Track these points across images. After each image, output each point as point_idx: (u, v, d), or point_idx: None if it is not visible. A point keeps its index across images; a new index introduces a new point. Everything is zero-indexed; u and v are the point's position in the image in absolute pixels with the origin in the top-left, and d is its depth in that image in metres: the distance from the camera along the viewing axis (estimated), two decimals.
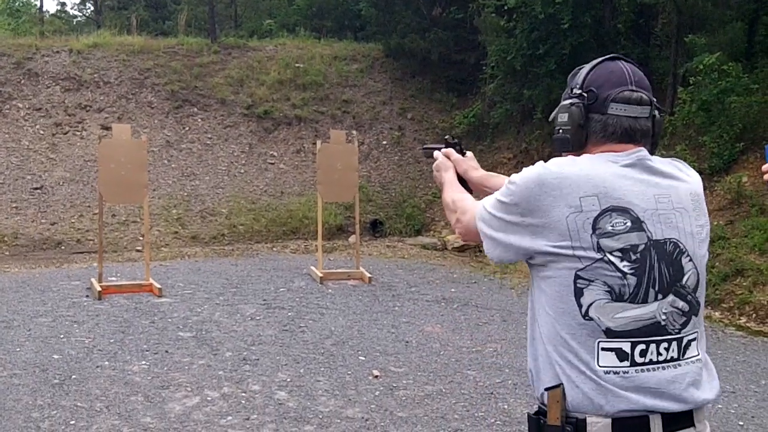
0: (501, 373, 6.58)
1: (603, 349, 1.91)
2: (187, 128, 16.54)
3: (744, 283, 9.32)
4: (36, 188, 14.17)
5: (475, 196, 2.44)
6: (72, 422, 5.21)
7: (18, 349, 6.85)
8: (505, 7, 14.77)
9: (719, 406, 5.88)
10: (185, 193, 14.90)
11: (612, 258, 1.90)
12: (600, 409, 1.90)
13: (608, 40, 14.66)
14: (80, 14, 31.74)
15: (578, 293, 1.92)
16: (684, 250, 1.99)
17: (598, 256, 1.90)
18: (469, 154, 2.67)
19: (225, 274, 10.65)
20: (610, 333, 1.91)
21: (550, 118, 2.20)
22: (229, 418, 5.38)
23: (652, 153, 2.07)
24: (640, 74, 2.08)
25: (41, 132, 15.45)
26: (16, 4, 29.44)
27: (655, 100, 2.09)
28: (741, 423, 5.61)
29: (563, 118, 2.10)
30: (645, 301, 1.92)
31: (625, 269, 1.91)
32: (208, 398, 5.77)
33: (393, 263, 12.03)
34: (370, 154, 16.83)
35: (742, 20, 13.56)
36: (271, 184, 15.66)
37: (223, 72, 18.03)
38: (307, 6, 23.33)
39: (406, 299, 9.44)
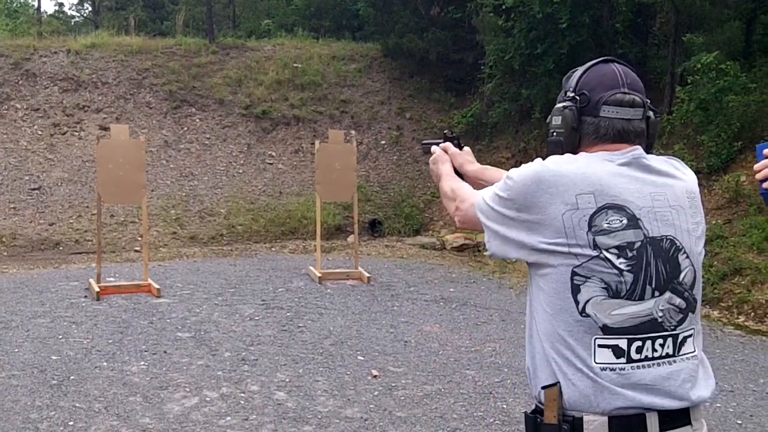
0: (500, 373, 6.58)
1: (600, 346, 1.92)
2: (185, 128, 16.54)
3: (742, 282, 9.33)
4: (34, 189, 14.16)
5: None
6: (70, 423, 5.21)
7: (16, 350, 6.85)
8: (503, 7, 14.78)
9: (717, 405, 5.89)
10: (184, 194, 14.90)
11: (608, 255, 1.91)
12: (596, 407, 1.91)
13: (606, 40, 14.67)
14: (78, 15, 31.76)
15: (575, 290, 1.92)
16: (680, 247, 2.00)
17: (594, 253, 1.91)
18: (466, 148, 2.69)
19: (223, 274, 10.64)
20: (606, 330, 1.92)
21: (547, 121, 2.21)
22: (228, 418, 5.38)
23: (647, 153, 2.08)
24: (633, 76, 2.10)
25: (39, 132, 15.44)
26: (14, 4, 29.42)
27: (648, 101, 2.11)
28: (739, 422, 5.62)
29: (557, 121, 2.12)
30: (642, 298, 1.93)
31: (622, 266, 1.91)
32: (207, 399, 5.76)
33: (392, 263, 12.03)
34: (369, 153, 16.83)
35: (739, 19, 13.58)
36: (270, 184, 15.66)
37: (221, 72, 18.03)
38: (305, 6, 23.33)
39: (405, 299, 9.43)
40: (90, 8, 30.29)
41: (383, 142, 17.26)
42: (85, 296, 9.06)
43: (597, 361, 1.92)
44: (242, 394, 5.87)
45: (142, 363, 6.58)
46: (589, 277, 1.91)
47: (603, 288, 1.91)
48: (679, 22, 13.42)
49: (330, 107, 17.73)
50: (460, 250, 13.26)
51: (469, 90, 17.74)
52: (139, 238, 12.56)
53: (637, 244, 1.93)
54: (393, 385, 6.20)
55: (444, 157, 2.65)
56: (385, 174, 16.51)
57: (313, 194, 12.46)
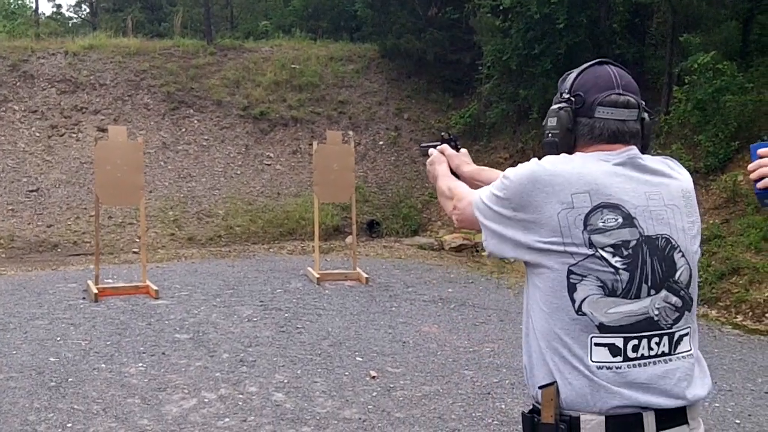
0: (498, 373, 6.58)
1: (596, 344, 1.93)
2: (183, 130, 16.54)
3: (740, 282, 9.34)
4: (32, 190, 14.16)
5: None
6: (69, 425, 5.20)
7: (14, 352, 6.84)
8: (501, 7, 14.80)
9: (716, 404, 5.89)
10: (182, 195, 14.90)
11: (604, 254, 1.92)
12: (593, 406, 1.91)
13: (603, 40, 14.69)
14: (76, 16, 31.76)
15: (571, 289, 1.93)
16: (676, 245, 2.00)
17: (590, 251, 1.92)
18: (463, 150, 2.71)
19: (222, 275, 10.64)
20: (603, 328, 1.92)
21: (543, 123, 2.23)
22: (227, 419, 5.38)
23: (643, 154, 2.09)
24: (628, 78, 2.11)
25: (37, 134, 15.44)
26: (12, 6, 29.42)
27: (643, 103, 2.12)
28: (738, 421, 5.62)
29: (552, 122, 2.14)
30: (638, 296, 1.94)
31: (618, 265, 1.92)
32: (205, 400, 5.76)
33: (390, 264, 12.02)
34: (367, 154, 16.83)
35: (736, 19, 13.60)
36: (268, 185, 15.66)
37: (219, 73, 18.03)
38: (303, 7, 23.35)
39: (403, 299, 9.44)
40: (88, 10, 30.31)
41: (381, 142, 17.26)
42: (84, 298, 9.05)
43: (593, 359, 1.92)
44: (240, 396, 5.87)
45: (141, 364, 6.58)
46: (585, 276, 1.92)
47: (599, 286, 1.92)
48: (676, 22, 13.43)
49: (328, 108, 17.74)
50: (459, 251, 13.26)
51: (466, 90, 17.75)
52: (137, 240, 12.55)
53: (633, 243, 1.94)
54: (391, 385, 6.20)
55: (441, 158, 2.67)
56: (383, 175, 16.52)
57: (311, 195, 12.46)
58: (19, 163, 14.69)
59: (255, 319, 8.23)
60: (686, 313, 2.01)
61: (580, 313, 1.93)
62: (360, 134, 17.00)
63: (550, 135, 2.14)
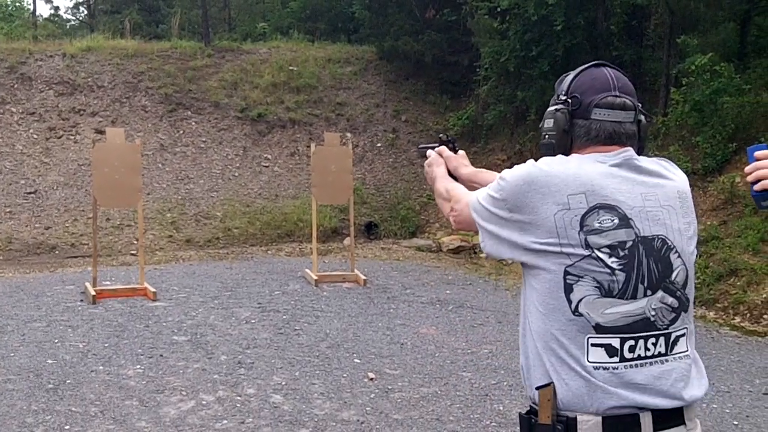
0: (496, 375, 6.58)
1: (593, 345, 1.93)
2: (181, 132, 16.54)
3: (738, 283, 9.34)
4: (30, 192, 14.15)
5: None
6: (66, 427, 5.20)
7: (12, 354, 6.84)
8: (498, 9, 14.81)
9: (714, 405, 5.90)
10: (179, 197, 14.90)
11: (600, 254, 1.92)
12: (590, 406, 1.91)
13: (601, 42, 14.70)
14: (73, 18, 31.76)
15: (568, 289, 1.94)
16: (672, 246, 2.01)
17: (586, 252, 1.92)
18: (461, 152, 2.72)
19: (220, 277, 10.64)
20: (599, 329, 1.93)
21: (540, 125, 2.23)
22: (225, 421, 5.37)
23: (639, 155, 2.09)
24: (625, 80, 2.11)
25: (35, 136, 15.44)
26: (9, 8, 29.41)
27: (640, 105, 2.13)
28: (736, 422, 5.62)
29: (549, 124, 2.14)
30: (634, 296, 1.94)
31: (614, 265, 1.93)
32: (203, 402, 5.76)
33: (388, 265, 12.03)
34: (365, 156, 16.84)
35: (734, 21, 13.62)
36: (266, 187, 15.66)
37: (216, 75, 18.03)
38: (301, 9, 23.35)
39: (401, 301, 9.44)
40: (85, 12, 30.31)
41: (379, 144, 17.27)
42: (81, 300, 9.05)
43: (590, 360, 1.92)
44: (238, 398, 5.87)
45: (138, 367, 6.58)
46: (582, 277, 1.92)
47: (595, 287, 1.92)
48: (673, 24, 13.44)
49: (326, 110, 17.74)
50: (456, 252, 13.27)
51: (464, 92, 17.77)
52: (135, 242, 12.55)
53: (629, 244, 1.95)
54: (389, 387, 6.20)
55: (438, 160, 2.68)
56: (381, 176, 16.52)
57: (309, 197, 12.47)
58: (16, 165, 14.69)
59: (253, 321, 8.23)
60: (682, 313, 2.02)
61: (576, 313, 1.93)
62: (358, 136, 17.00)
63: (546, 137, 2.15)
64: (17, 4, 30.76)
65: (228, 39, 21.16)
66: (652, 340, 1.96)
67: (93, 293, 8.96)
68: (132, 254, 12.51)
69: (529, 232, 1.98)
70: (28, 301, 8.96)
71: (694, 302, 2.09)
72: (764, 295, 8.95)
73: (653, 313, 1.96)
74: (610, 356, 1.93)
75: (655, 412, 1.93)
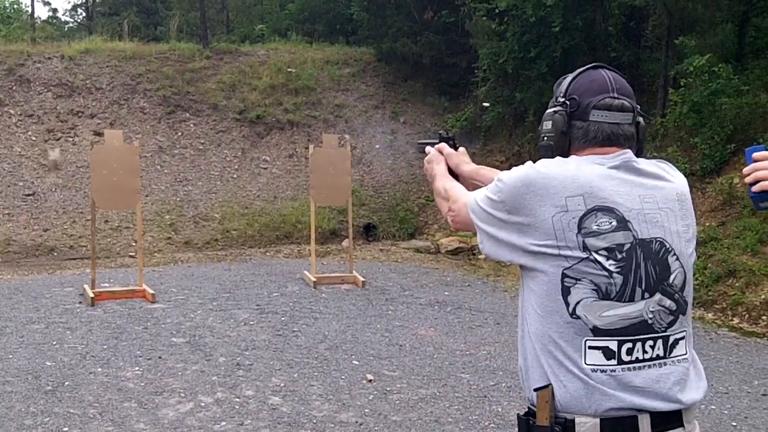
0: (495, 376, 6.58)
1: (590, 347, 1.93)
2: (179, 134, 16.53)
3: (736, 284, 9.35)
4: (28, 195, 14.15)
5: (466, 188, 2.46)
6: (65, 429, 5.20)
7: (10, 356, 6.84)
8: (496, 11, 14.82)
9: (712, 407, 5.90)
10: (178, 199, 14.89)
11: (598, 257, 1.92)
12: (588, 408, 1.91)
13: (599, 43, 14.71)
14: (72, 20, 31.74)
15: (565, 292, 1.93)
16: (670, 249, 2.00)
17: (584, 255, 1.92)
18: (461, 149, 2.69)
19: (218, 279, 10.63)
20: (597, 331, 1.92)
21: (539, 128, 2.23)
22: (223, 423, 5.37)
23: (638, 157, 2.09)
24: (623, 82, 2.11)
25: (33, 138, 15.43)
26: (8, 10, 29.41)
27: (638, 107, 2.12)
28: (734, 423, 5.63)
29: (547, 125, 2.14)
30: (632, 299, 1.94)
31: (612, 268, 1.92)
32: (202, 404, 5.76)
33: (386, 267, 12.03)
34: (363, 158, 16.84)
35: (732, 22, 13.62)
36: (264, 189, 15.65)
37: (215, 77, 18.02)
38: (299, 10, 23.36)
39: (400, 303, 9.44)
40: (84, 14, 30.30)
41: (377, 146, 17.27)
42: (80, 302, 9.05)
43: (587, 362, 1.92)
44: (237, 399, 5.87)
45: (137, 368, 6.58)
46: (579, 279, 1.92)
47: (593, 290, 1.92)
48: (671, 25, 13.45)
49: (324, 111, 17.75)
50: (455, 254, 13.27)
51: (462, 94, 17.77)
52: (134, 244, 12.55)
53: (627, 246, 1.94)
54: (388, 389, 6.20)
55: (438, 157, 2.66)
56: (379, 178, 16.52)
57: (307, 198, 12.47)
58: (15, 168, 14.68)
59: (251, 323, 8.23)
60: (681, 316, 2.01)
61: (574, 316, 1.93)
62: (356, 138, 16.99)
63: (545, 138, 2.15)
64: (15, 6, 30.77)
65: (226, 41, 21.15)
66: (650, 342, 1.96)
67: (91, 295, 8.96)
68: (130, 256, 12.51)
69: (527, 234, 1.97)
70: (26, 303, 8.95)
71: (693, 303, 2.09)
72: (763, 296, 8.95)
73: (651, 316, 1.96)
74: (608, 359, 1.92)
75: (654, 415, 1.93)
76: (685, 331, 2.04)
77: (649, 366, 1.95)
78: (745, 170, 2.10)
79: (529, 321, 2.03)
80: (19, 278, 10.73)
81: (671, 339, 1.99)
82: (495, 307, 9.39)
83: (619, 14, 15.03)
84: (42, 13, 50.70)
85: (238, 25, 25.98)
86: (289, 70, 18.54)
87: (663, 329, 1.98)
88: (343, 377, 6.46)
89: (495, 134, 16.52)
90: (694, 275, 2.09)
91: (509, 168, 2.09)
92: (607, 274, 1.92)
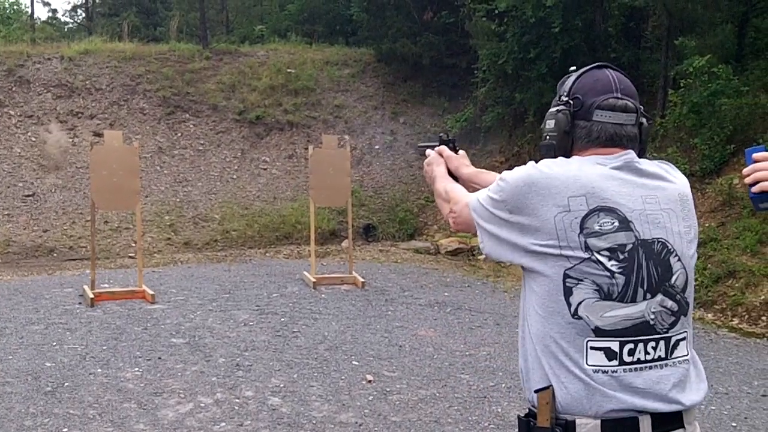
0: (494, 377, 6.58)
1: (592, 348, 1.92)
2: (179, 134, 16.53)
3: (736, 285, 9.35)
4: (28, 195, 14.14)
5: None
6: (65, 430, 5.19)
7: (10, 357, 6.83)
8: (496, 11, 14.81)
9: (712, 407, 5.90)
10: (178, 199, 14.89)
11: (600, 257, 1.92)
12: (589, 410, 1.91)
13: (599, 44, 14.71)
14: (71, 21, 31.74)
15: (567, 292, 1.93)
16: (672, 249, 2.00)
17: (586, 255, 1.92)
18: (461, 152, 2.70)
19: (218, 279, 10.63)
20: (598, 332, 1.92)
21: (541, 126, 2.22)
22: (223, 424, 5.37)
23: (640, 158, 2.09)
24: (627, 82, 2.10)
25: (33, 139, 15.42)
26: (7, 11, 29.40)
27: (642, 108, 2.11)
28: (734, 424, 5.62)
29: (550, 124, 2.13)
30: (634, 300, 1.93)
31: (613, 268, 1.92)
32: (202, 404, 5.76)
33: (386, 268, 12.03)
34: (363, 158, 16.84)
35: (731, 22, 13.61)
36: (264, 190, 15.65)
37: (214, 78, 18.03)
38: (299, 11, 23.35)
39: (400, 303, 9.43)
40: (83, 14, 30.30)
41: (377, 146, 17.27)
42: (80, 303, 9.05)
43: (589, 363, 1.92)
44: (237, 400, 5.86)
45: (137, 369, 6.57)
46: (581, 280, 1.92)
47: (595, 290, 1.91)
48: (671, 26, 13.45)
49: (323, 112, 17.75)
50: (455, 255, 13.27)
51: (462, 94, 17.77)
52: (134, 244, 12.54)
53: (629, 247, 1.94)
54: (388, 389, 6.19)
55: (438, 160, 2.66)
56: (379, 179, 16.52)
57: (307, 199, 12.46)
58: (14, 168, 14.68)
59: (251, 324, 8.22)
60: (682, 317, 2.01)
61: (575, 316, 1.92)
62: (356, 138, 17.00)
63: (547, 137, 2.14)
64: (15, 7, 30.77)
65: (226, 41, 21.16)
66: (652, 343, 1.95)
67: (91, 296, 8.96)
68: (130, 257, 12.50)
69: (529, 234, 1.97)
70: (26, 304, 8.95)
71: (693, 304, 2.08)
72: (762, 297, 8.96)
73: (653, 316, 1.95)
74: (610, 359, 1.92)
75: (654, 416, 1.92)
76: (686, 332, 2.03)
77: (651, 367, 1.95)
78: (745, 171, 2.10)
79: (530, 322, 2.02)
80: (19, 279, 10.73)
81: (673, 340, 1.99)
82: (495, 307, 9.39)
83: (618, 15, 15.02)
84: (42, 13, 50.72)
85: (238, 26, 25.99)
86: (288, 70, 18.55)
87: (665, 330, 1.97)
88: (342, 378, 6.46)
89: (495, 135, 16.52)
90: (694, 276, 2.09)
91: (509, 169, 2.09)
92: (609, 274, 1.91)
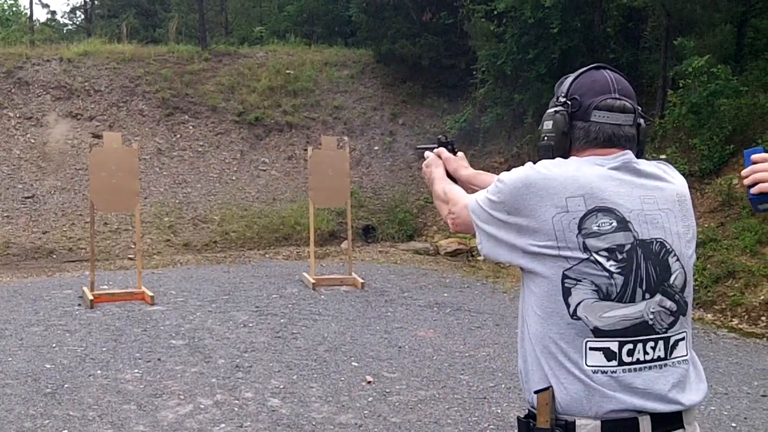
0: (494, 378, 6.58)
1: (591, 348, 1.92)
2: (178, 136, 16.53)
3: (736, 285, 9.35)
4: (27, 197, 14.13)
5: None
6: (64, 431, 5.19)
7: (10, 359, 6.83)
8: (495, 12, 14.81)
9: (712, 407, 5.90)
10: (177, 201, 14.89)
11: (598, 258, 1.92)
12: (589, 410, 1.91)
13: (598, 44, 14.71)
14: (70, 23, 31.73)
15: (566, 293, 1.93)
16: (671, 249, 2.00)
17: (584, 255, 1.92)
18: (460, 153, 2.71)
19: (217, 281, 10.63)
20: (597, 332, 1.92)
21: (539, 127, 2.22)
22: (222, 425, 5.37)
23: (638, 159, 2.09)
24: (625, 83, 2.11)
25: (32, 141, 15.42)
26: (6, 13, 29.39)
27: (639, 108, 2.12)
28: (734, 425, 5.62)
29: (548, 125, 2.14)
30: (632, 300, 1.93)
31: (612, 269, 1.92)
32: (201, 406, 5.76)
33: (385, 268, 12.03)
34: (362, 159, 16.84)
35: (730, 23, 13.62)
36: (263, 191, 15.65)
37: (213, 79, 18.03)
38: (298, 12, 23.35)
39: (399, 304, 9.43)
40: (82, 16, 30.30)
41: (376, 147, 17.27)
42: (79, 304, 9.04)
43: (588, 363, 1.92)
44: (236, 401, 5.86)
45: (136, 371, 6.57)
46: (580, 280, 1.92)
47: (594, 290, 1.91)
48: (670, 26, 13.45)
49: (323, 113, 17.75)
50: (454, 255, 13.27)
51: (461, 95, 17.76)
52: (133, 246, 12.54)
53: (627, 247, 1.94)
54: (387, 390, 6.19)
55: (437, 161, 2.67)
56: (378, 180, 16.52)
57: (306, 200, 12.46)
58: (14, 170, 14.67)
59: (250, 325, 8.22)
60: (681, 317, 2.01)
61: (574, 317, 1.92)
62: (355, 139, 17.00)
63: (545, 138, 2.14)
64: (14, 8, 30.77)
65: (225, 43, 21.16)
66: (651, 344, 1.95)
67: (91, 297, 8.96)
68: (129, 258, 12.50)
69: (527, 234, 1.97)
70: (25, 306, 8.95)
71: (692, 304, 2.08)
72: (762, 297, 8.96)
73: (652, 316, 1.95)
74: (609, 360, 1.92)
75: (654, 416, 1.92)
76: (685, 332, 2.03)
77: (650, 367, 1.95)
78: (744, 172, 2.10)
79: (529, 323, 2.03)
80: (18, 281, 10.73)
81: (672, 340, 1.99)
82: (494, 308, 9.39)
83: (617, 15, 15.03)
84: (41, 15, 50.62)
85: (237, 27, 25.99)
86: (287, 71, 18.55)
87: (664, 330, 1.97)
88: (342, 379, 6.46)
89: (494, 136, 16.52)
90: (693, 276, 2.09)
91: (508, 170, 2.09)
92: (607, 274, 1.91)
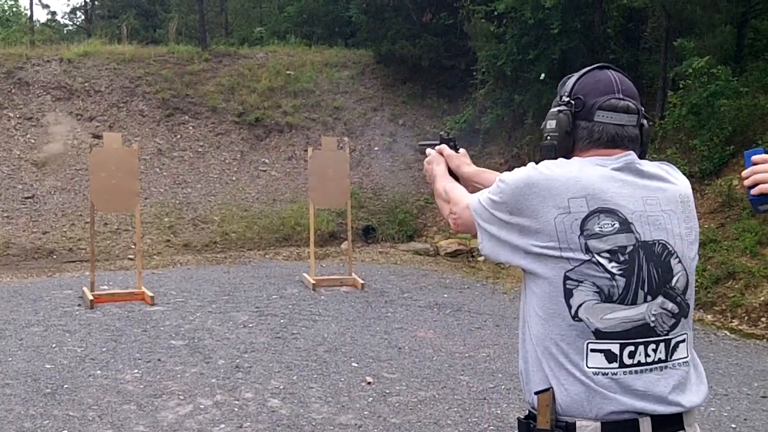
0: (494, 378, 6.58)
1: (592, 350, 1.92)
2: (178, 136, 16.53)
3: (736, 286, 9.35)
4: (27, 197, 14.13)
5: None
6: (64, 431, 5.20)
7: (10, 359, 6.83)
8: (495, 13, 14.81)
9: (712, 409, 5.90)
10: (177, 201, 14.89)
11: (600, 259, 1.91)
12: (589, 412, 1.90)
13: (598, 45, 14.71)
14: (70, 23, 31.73)
15: (568, 294, 1.92)
16: (673, 251, 1.99)
17: (586, 257, 1.91)
18: (462, 150, 2.68)
19: (217, 281, 10.63)
20: (599, 334, 1.91)
21: (541, 126, 2.21)
22: (222, 426, 5.36)
23: (641, 160, 2.08)
24: (628, 83, 2.10)
25: (32, 141, 15.42)
26: (6, 13, 29.40)
27: (643, 109, 2.11)
28: (734, 426, 5.62)
29: (551, 125, 2.12)
30: (634, 302, 1.92)
31: (614, 270, 1.91)
32: (201, 406, 5.75)
33: (385, 269, 12.02)
34: (362, 160, 16.83)
35: (731, 24, 13.62)
36: (263, 191, 15.65)
37: (214, 80, 18.03)
38: (298, 13, 23.36)
39: (399, 305, 9.43)
40: (82, 17, 30.30)
41: (376, 148, 17.26)
42: (79, 304, 9.04)
43: (589, 365, 1.91)
44: (236, 402, 5.86)
45: (136, 371, 6.57)
46: (582, 282, 1.91)
47: (595, 292, 1.91)
48: (670, 27, 13.45)
49: (323, 114, 17.75)
50: (454, 256, 13.27)
51: (461, 96, 17.77)
52: (133, 246, 12.53)
53: (629, 248, 1.93)
54: (387, 391, 6.19)
55: (439, 158, 2.65)
56: (378, 180, 16.51)
57: (306, 201, 12.46)
58: (14, 171, 14.67)
59: (250, 325, 8.22)
60: (683, 319, 2.00)
61: (576, 318, 1.92)
62: (355, 140, 17.00)
63: (548, 138, 2.13)
64: (14, 9, 30.77)
65: (225, 43, 21.17)
66: (652, 346, 1.95)
67: (90, 298, 8.96)
68: (129, 258, 12.49)
69: (529, 235, 1.96)
70: (25, 306, 8.94)
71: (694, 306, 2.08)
72: (762, 298, 8.96)
73: (653, 318, 1.94)
74: (610, 362, 1.91)
75: (655, 418, 1.92)
76: (686, 334, 2.03)
77: (651, 369, 1.94)
78: (744, 173, 2.09)
79: (530, 324, 2.02)
80: (18, 281, 10.72)
81: (673, 342, 1.98)
82: (494, 309, 9.39)
83: (617, 16, 15.02)
84: (41, 15, 50.65)
85: (237, 28, 26.00)
86: (287, 72, 18.56)
87: (665, 332, 1.97)
88: (342, 379, 6.46)
89: (494, 137, 16.52)
90: (695, 278, 2.08)
91: (508, 170, 2.08)
92: (609, 276, 1.91)
